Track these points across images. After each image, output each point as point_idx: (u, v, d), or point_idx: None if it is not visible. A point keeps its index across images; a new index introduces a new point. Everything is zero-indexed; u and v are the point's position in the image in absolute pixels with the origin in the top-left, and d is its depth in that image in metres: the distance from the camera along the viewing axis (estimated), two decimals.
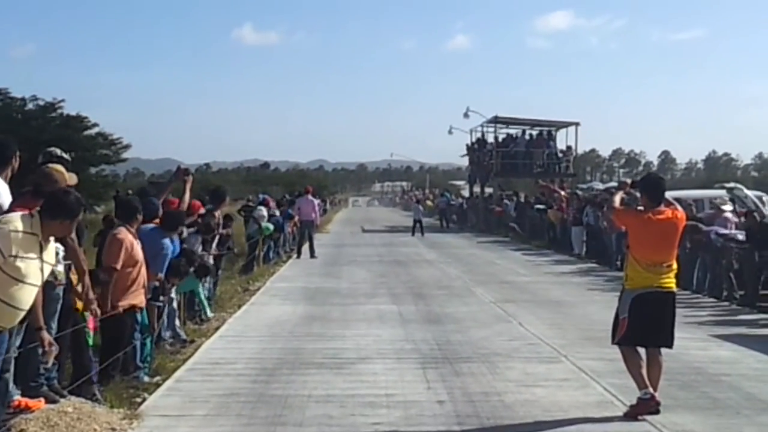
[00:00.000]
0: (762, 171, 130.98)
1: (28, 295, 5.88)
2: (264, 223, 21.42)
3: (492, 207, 40.21)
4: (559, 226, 28.33)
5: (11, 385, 6.47)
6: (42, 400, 6.83)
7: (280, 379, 8.94)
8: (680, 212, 7.89)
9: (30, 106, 42.61)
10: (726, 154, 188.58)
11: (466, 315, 13.52)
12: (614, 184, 28.21)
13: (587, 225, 24.62)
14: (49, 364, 6.75)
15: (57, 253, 6.64)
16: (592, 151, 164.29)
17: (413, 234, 36.38)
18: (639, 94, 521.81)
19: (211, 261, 13.39)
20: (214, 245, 13.67)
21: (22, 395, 6.68)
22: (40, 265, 5.93)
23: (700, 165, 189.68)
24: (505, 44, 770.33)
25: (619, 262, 19.43)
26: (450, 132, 58.32)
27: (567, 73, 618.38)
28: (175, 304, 10.99)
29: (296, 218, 26.23)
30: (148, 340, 9.15)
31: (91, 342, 8.04)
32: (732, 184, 21.22)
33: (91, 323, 7.90)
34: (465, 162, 50.07)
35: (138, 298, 8.52)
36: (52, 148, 8.11)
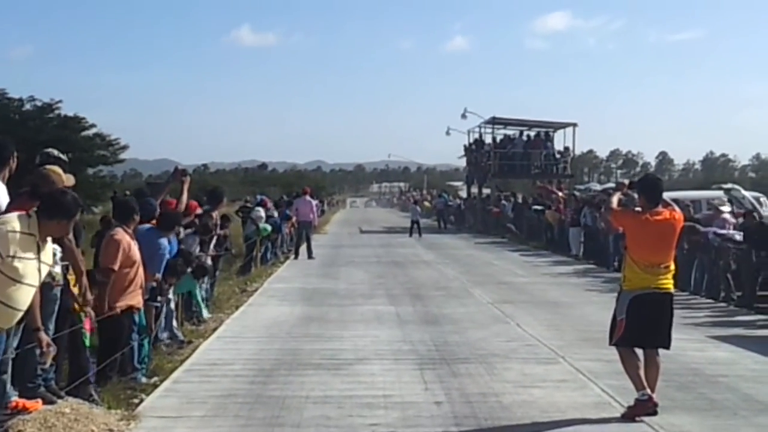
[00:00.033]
0: (759, 172, 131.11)
1: (25, 296, 5.88)
2: (262, 224, 21.41)
3: (490, 208, 40.24)
4: (557, 227, 28.35)
5: (8, 386, 6.47)
6: (39, 401, 6.82)
7: (277, 380, 8.93)
8: (678, 213, 7.89)
9: (27, 106, 42.59)
10: (723, 155, 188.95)
11: (464, 316, 13.52)
12: (612, 185, 28.24)
13: (585, 226, 24.63)
14: (47, 365, 6.75)
15: (54, 254, 6.65)
16: (590, 152, 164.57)
17: (411, 235, 36.39)
18: (637, 94, 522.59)
19: (209, 262, 13.38)
20: (211, 246, 13.66)
21: (20, 396, 6.67)
22: (37, 266, 5.93)
23: (698, 166, 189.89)
24: (503, 45, 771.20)
25: (616, 263, 19.44)
26: (448, 133, 58.46)
27: (565, 74, 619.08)
28: (172, 305, 10.99)
29: (294, 219, 26.21)
30: (145, 341, 9.14)
31: (88, 343, 8.04)
32: (729, 185, 21.29)
33: (87, 324, 7.90)
34: (463, 163, 50.15)
35: (135, 298, 8.51)
36: (50, 149, 8.11)
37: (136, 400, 7.94)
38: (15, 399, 6.59)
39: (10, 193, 6.64)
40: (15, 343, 6.38)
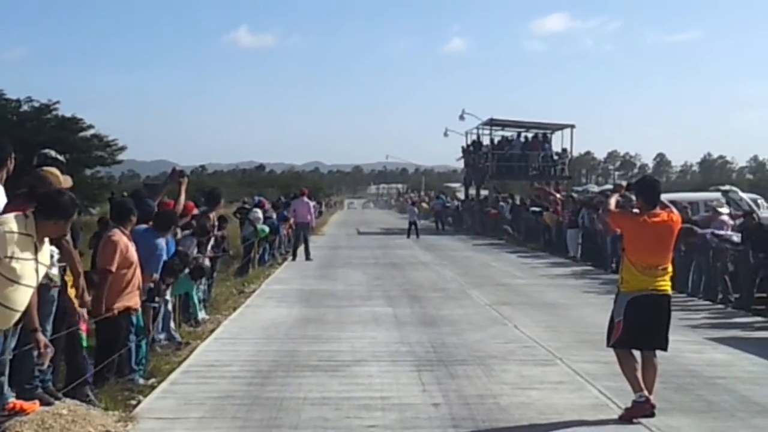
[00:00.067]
0: (757, 174, 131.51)
1: (23, 297, 5.88)
2: (259, 226, 21.43)
3: (487, 209, 40.28)
4: (555, 229, 28.36)
5: (6, 387, 6.47)
6: (37, 402, 6.81)
7: (275, 381, 8.93)
8: (676, 215, 7.90)
9: (25, 107, 42.60)
10: (721, 157, 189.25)
11: (462, 317, 13.52)
12: (610, 186, 28.29)
13: (583, 227, 24.64)
14: (45, 366, 6.74)
15: (52, 256, 6.64)
16: (588, 153, 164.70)
17: (408, 236, 36.40)
18: (634, 96, 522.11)
19: (207, 263, 13.38)
20: (209, 247, 13.66)
21: (17, 397, 6.67)
22: (35, 266, 5.93)
23: (696, 167, 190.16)
24: (501, 47, 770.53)
25: (614, 265, 19.45)
26: (446, 134, 58.53)
27: (562, 75, 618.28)
28: (170, 306, 10.98)
29: (291, 220, 26.24)
30: (143, 342, 9.14)
31: (85, 344, 8.03)
32: (727, 187, 21.32)
33: (84, 325, 7.90)
34: (460, 164, 50.19)
35: (133, 300, 8.51)
36: (47, 150, 8.11)
37: (133, 402, 7.93)
38: (12, 400, 6.58)
39: (7, 194, 6.64)
40: (12, 345, 6.37)
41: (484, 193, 44.48)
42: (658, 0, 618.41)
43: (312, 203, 29.84)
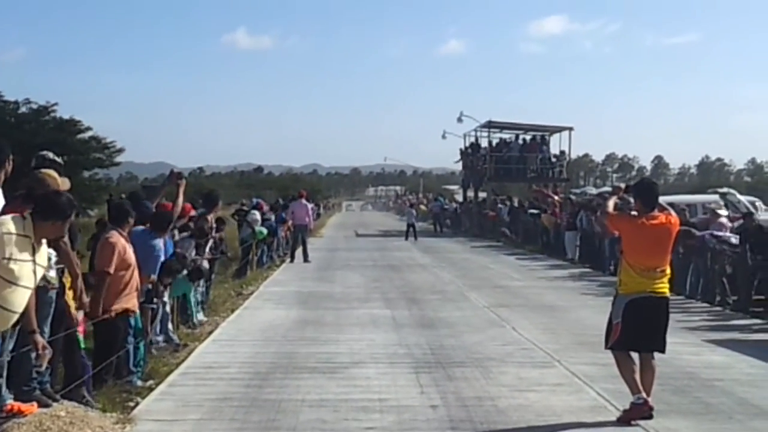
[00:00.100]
0: (755, 176, 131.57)
1: (21, 298, 5.87)
2: (257, 227, 21.43)
3: (486, 211, 40.29)
4: (553, 231, 28.36)
5: (4, 389, 6.46)
6: (34, 404, 6.81)
7: (273, 383, 8.93)
8: (674, 217, 7.90)
9: (23, 109, 42.61)
10: (719, 159, 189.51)
11: (460, 319, 13.52)
12: (608, 188, 28.33)
13: (581, 230, 24.65)
14: (43, 368, 6.74)
15: (49, 258, 6.64)
16: (586, 155, 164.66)
17: (407, 238, 36.41)
18: (632, 98, 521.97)
19: (206, 264, 13.38)
20: (207, 249, 13.66)
21: (15, 399, 6.66)
22: (33, 267, 5.93)
23: (693, 170, 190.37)
24: (499, 49, 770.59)
25: (612, 267, 19.44)
26: (444, 136, 58.51)
27: (561, 77, 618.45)
28: (168, 308, 10.98)
29: (290, 222, 26.25)
30: (141, 344, 9.13)
31: (82, 345, 8.02)
32: (725, 190, 21.34)
33: (81, 326, 7.89)
34: (459, 167, 50.19)
35: (131, 301, 8.50)
36: (45, 152, 8.11)
37: (131, 404, 7.93)
38: (10, 402, 6.58)
39: (5, 196, 6.63)
40: (10, 346, 6.37)
41: (482, 195, 44.51)
42: (656, 3, 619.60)
43: (310, 205, 29.86)
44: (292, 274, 21.58)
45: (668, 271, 7.73)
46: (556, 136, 41.66)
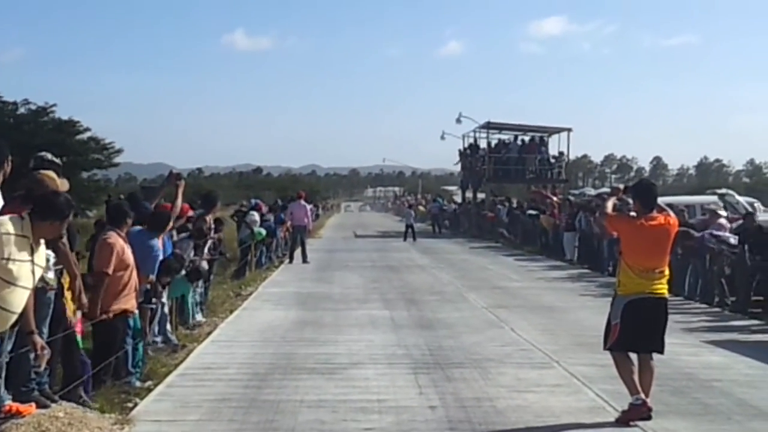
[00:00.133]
0: (753, 177, 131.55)
1: (19, 298, 5.87)
2: (256, 228, 21.42)
3: (484, 212, 40.28)
4: (552, 232, 28.36)
5: (2, 390, 6.45)
6: (33, 405, 6.80)
7: (272, 384, 8.93)
8: (673, 218, 7.91)
9: (22, 110, 42.65)
10: (717, 160, 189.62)
11: (459, 320, 13.52)
12: (606, 189, 28.34)
13: (579, 230, 24.64)
14: (42, 368, 6.74)
15: (48, 260, 6.64)
16: (584, 156, 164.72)
17: (405, 239, 36.40)
18: (631, 99, 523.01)
19: (205, 265, 13.38)
20: (206, 250, 13.65)
21: (14, 400, 6.65)
22: (31, 268, 5.93)
23: (692, 171, 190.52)
24: (498, 50, 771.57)
25: (611, 268, 19.44)
26: (442, 137, 58.37)
27: (559, 78, 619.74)
28: (166, 309, 10.97)
29: (288, 223, 26.24)
30: (140, 345, 9.12)
31: (80, 345, 8.01)
32: (723, 191, 21.39)
33: (78, 327, 7.89)
34: (457, 168, 50.20)
35: (130, 302, 8.49)
36: (44, 153, 8.10)
37: (130, 404, 7.92)
38: (9, 403, 6.57)
39: (4, 197, 6.63)
40: (9, 347, 6.36)
41: (481, 196, 44.48)
42: (655, 4, 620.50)
43: (309, 206, 29.85)
44: (291, 275, 21.57)
45: (667, 272, 7.73)
46: (554, 137, 41.72)
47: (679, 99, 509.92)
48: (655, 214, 7.72)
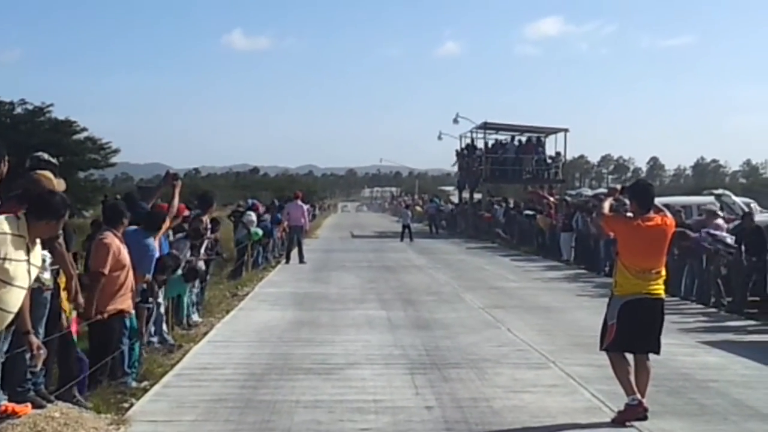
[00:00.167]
0: (750, 178, 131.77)
1: (16, 298, 5.86)
2: (253, 228, 21.40)
3: (481, 213, 40.29)
4: (548, 232, 28.39)
5: None
6: (29, 405, 6.79)
7: (268, 384, 8.92)
8: (669, 219, 7.91)
9: (18, 110, 42.53)
10: (714, 161, 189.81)
11: (455, 321, 13.52)
12: (603, 190, 28.35)
13: (576, 231, 24.66)
14: (38, 368, 6.73)
15: (44, 260, 6.63)
16: (581, 157, 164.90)
17: (402, 239, 36.41)
18: (628, 100, 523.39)
19: (202, 265, 13.37)
20: (203, 250, 13.65)
21: (9, 400, 6.65)
22: (27, 267, 5.92)
23: (689, 171, 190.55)
24: (495, 50, 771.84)
25: (607, 268, 19.48)
26: (439, 138, 58.41)
27: (557, 79, 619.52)
28: (162, 309, 10.96)
29: (285, 223, 26.22)
30: (136, 345, 9.11)
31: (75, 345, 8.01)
32: (720, 191, 21.39)
33: (73, 327, 7.88)
34: (454, 168, 50.21)
35: (126, 303, 8.48)
36: (40, 153, 8.09)
37: (126, 405, 7.92)
38: (4, 403, 6.56)
39: (0, 197, 6.62)
40: (5, 347, 6.36)
41: (477, 196, 44.51)
42: (652, 4, 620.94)
43: (306, 206, 29.81)
44: (288, 275, 21.57)
45: (664, 272, 7.74)
46: (551, 137, 41.72)
47: (676, 99, 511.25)
48: (652, 214, 7.73)
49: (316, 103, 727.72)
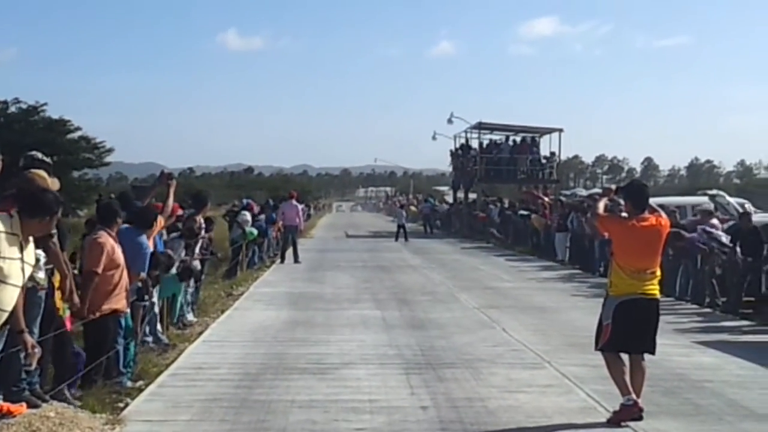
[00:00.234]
0: (744, 178, 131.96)
1: (10, 296, 5.85)
2: (248, 228, 21.38)
3: (476, 213, 40.29)
4: (543, 232, 28.41)
5: None
6: (24, 404, 6.78)
7: (263, 384, 8.91)
8: (664, 219, 7.92)
9: (13, 109, 42.49)
10: (708, 161, 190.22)
11: (450, 321, 13.52)
12: (598, 190, 28.33)
13: (571, 231, 24.68)
14: (33, 367, 6.71)
15: (38, 260, 6.61)
16: (576, 157, 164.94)
17: (397, 239, 36.40)
18: (623, 100, 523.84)
19: (197, 264, 13.35)
20: (197, 249, 13.63)
21: (4, 400, 6.64)
22: (21, 266, 5.90)
23: (683, 172, 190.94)
24: (490, 50, 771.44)
25: (602, 268, 19.49)
26: (434, 138, 58.40)
27: (551, 79, 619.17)
28: (156, 309, 10.94)
29: (280, 223, 26.20)
30: (131, 345, 9.10)
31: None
32: (714, 192, 21.39)
33: (67, 326, 7.86)
34: (449, 168, 50.20)
35: (121, 302, 8.46)
36: (34, 152, 8.09)
37: (121, 404, 7.90)
38: None
39: None
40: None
41: (472, 196, 44.49)
42: (647, 5, 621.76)
43: (300, 206, 29.82)
44: (283, 275, 21.55)
45: (658, 272, 7.75)
46: (546, 137, 41.73)
47: (670, 100, 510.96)
48: (646, 214, 7.74)
49: (310, 102, 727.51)
